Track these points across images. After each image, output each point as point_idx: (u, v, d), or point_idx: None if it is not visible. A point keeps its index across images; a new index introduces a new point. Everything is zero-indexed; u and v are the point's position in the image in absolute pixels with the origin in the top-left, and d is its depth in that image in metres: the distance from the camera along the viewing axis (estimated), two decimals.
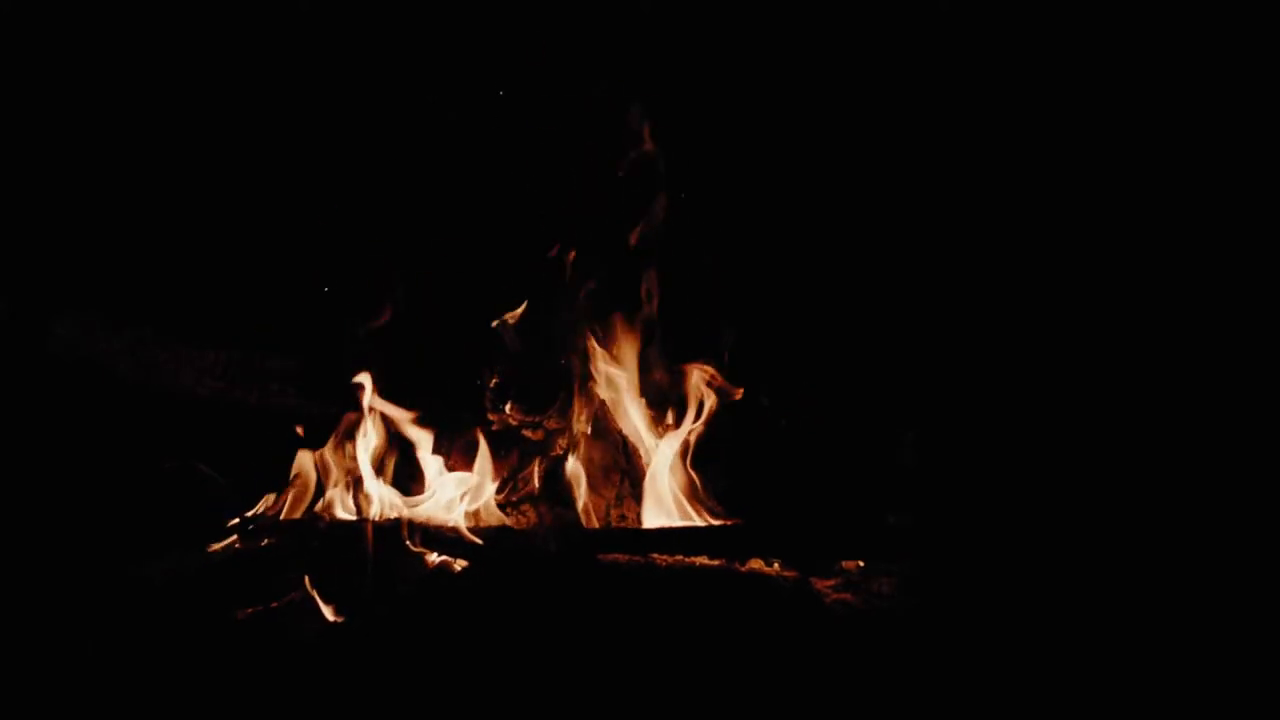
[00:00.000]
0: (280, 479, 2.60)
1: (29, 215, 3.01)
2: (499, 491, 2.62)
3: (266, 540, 2.44)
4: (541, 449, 2.64)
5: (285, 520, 2.52)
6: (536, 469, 2.60)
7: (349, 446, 2.57)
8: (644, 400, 2.70)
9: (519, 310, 2.74)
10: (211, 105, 3.18)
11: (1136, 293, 2.80)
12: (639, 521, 2.59)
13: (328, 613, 2.30)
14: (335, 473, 2.55)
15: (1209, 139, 2.81)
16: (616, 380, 2.69)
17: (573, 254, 2.77)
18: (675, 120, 3.12)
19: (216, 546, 2.45)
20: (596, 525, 2.58)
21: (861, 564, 2.40)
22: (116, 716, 2.06)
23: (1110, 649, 2.09)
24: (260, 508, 2.58)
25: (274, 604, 2.35)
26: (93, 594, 2.29)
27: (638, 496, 2.61)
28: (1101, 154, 2.89)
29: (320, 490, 2.59)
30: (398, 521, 2.47)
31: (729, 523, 2.53)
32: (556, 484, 2.51)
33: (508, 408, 2.69)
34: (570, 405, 2.66)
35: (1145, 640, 2.11)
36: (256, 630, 2.29)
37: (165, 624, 2.25)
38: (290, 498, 2.55)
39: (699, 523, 2.54)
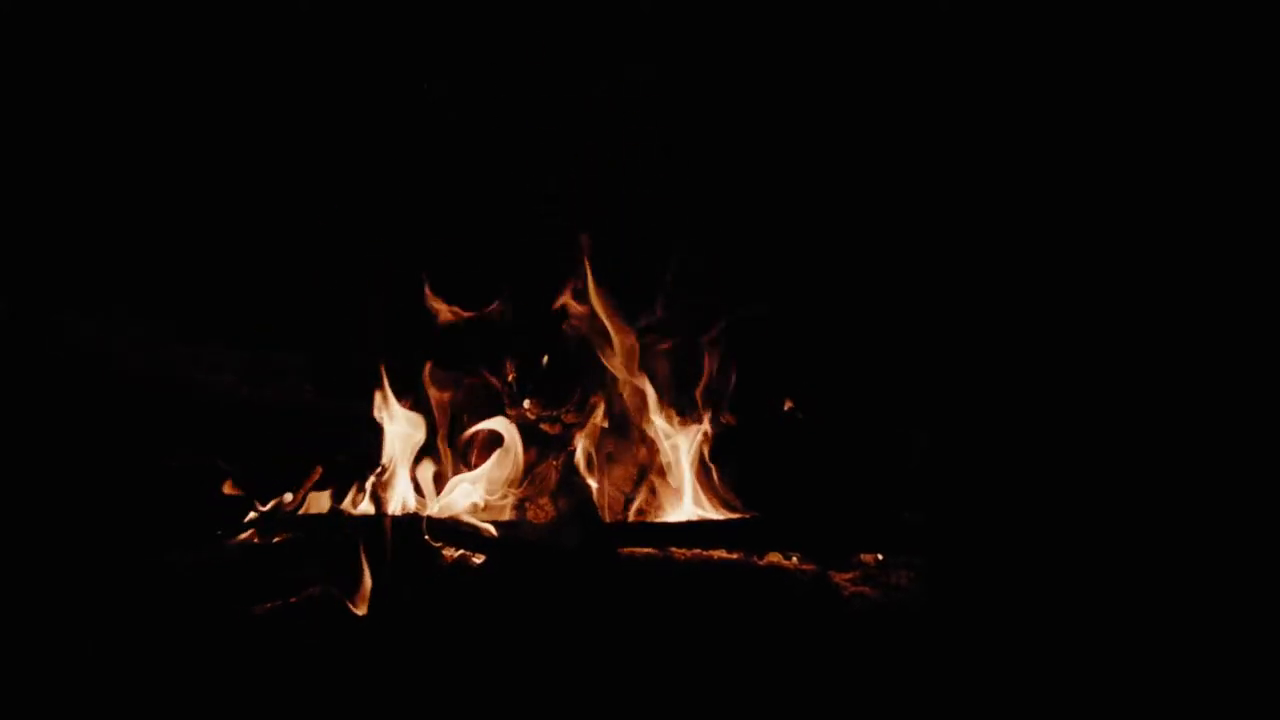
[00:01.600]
0: (296, 473, 2.59)
1: (37, 212, 2.98)
2: (518, 486, 2.62)
3: (285, 535, 2.43)
4: (560, 443, 2.65)
5: (303, 515, 2.51)
6: (555, 463, 2.60)
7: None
8: (661, 394, 2.71)
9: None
10: (217, 103, 3.16)
11: (1150, 294, 2.83)
12: (657, 515, 2.60)
13: (347, 607, 2.29)
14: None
15: (1214, 140, 2.85)
16: (633, 375, 2.69)
17: (585, 251, 2.78)
18: (680, 116, 3.13)
19: (235, 541, 2.43)
20: (614, 519, 2.59)
21: (880, 557, 2.42)
22: (134, 711, 2.05)
23: (1125, 643, 2.11)
24: (277, 502, 2.56)
25: (293, 599, 2.34)
26: (109, 589, 2.27)
27: (656, 490, 2.62)
28: (1111, 156, 2.92)
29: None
30: (416, 516, 2.47)
31: (747, 516, 2.54)
32: (574, 478, 2.51)
33: (526, 402, 2.70)
34: (588, 399, 2.66)
35: (1159, 633, 2.14)
36: (275, 625, 2.28)
37: (183, 619, 2.24)
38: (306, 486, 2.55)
39: (717, 516, 2.55)
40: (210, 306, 2.96)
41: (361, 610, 2.29)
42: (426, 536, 2.42)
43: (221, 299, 2.99)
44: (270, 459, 2.61)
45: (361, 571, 2.35)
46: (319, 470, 2.56)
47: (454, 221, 3.11)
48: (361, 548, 2.38)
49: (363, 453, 2.61)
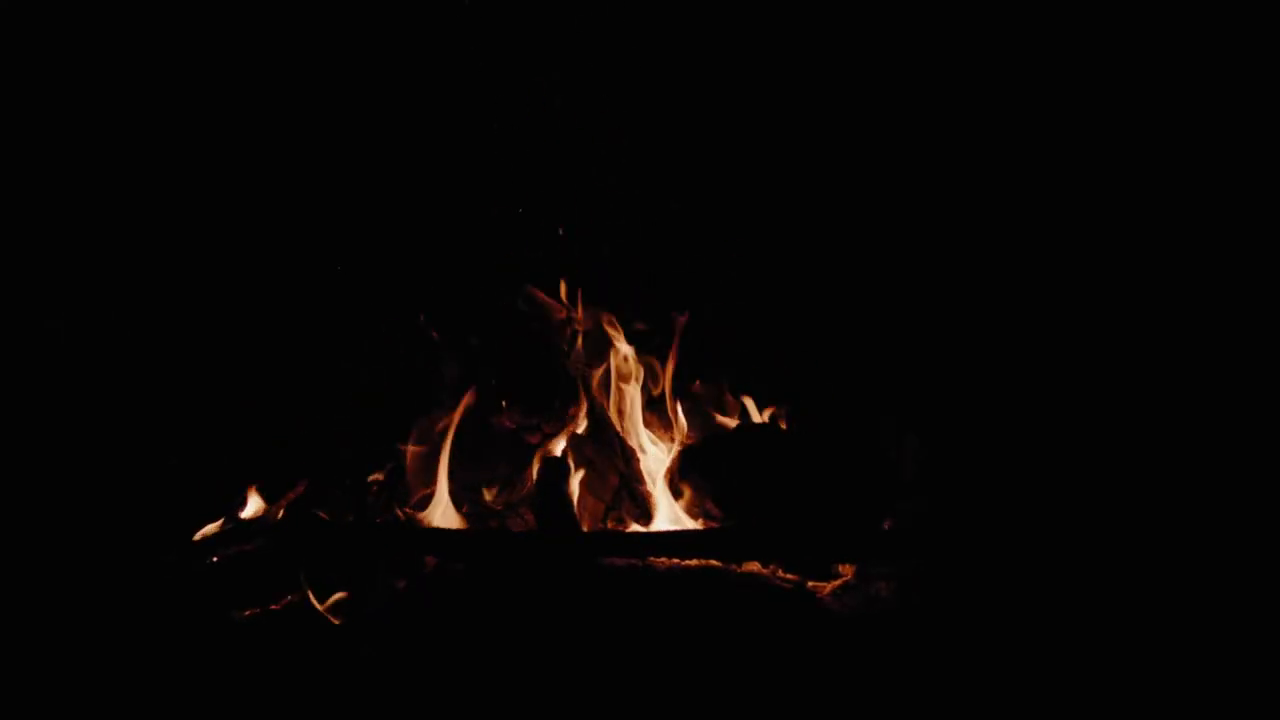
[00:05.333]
0: (278, 479, 2.62)
1: (30, 220, 3.02)
2: (498, 495, 2.62)
3: (266, 541, 2.45)
4: (539, 452, 2.64)
5: (284, 521, 2.53)
6: (534, 472, 2.60)
7: None
8: (642, 403, 2.70)
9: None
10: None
11: (1136, 293, 2.78)
12: (637, 525, 2.59)
13: (326, 615, 2.31)
14: None
15: (1208, 138, 2.79)
16: (614, 383, 2.69)
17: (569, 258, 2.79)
18: (670, 119, 3.12)
19: (215, 548, 2.46)
20: (594, 528, 2.58)
21: (860, 566, 2.39)
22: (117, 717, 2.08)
23: (1110, 649, 2.08)
24: (258, 508, 2.59)
25: (273, 606, 2.36)
26: (89, 595, 2.31)
27: (635, 499, 2.61)
28: (1101, 153, 2.88)
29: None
30: (397, 523, 2.49)
31: (727, 526, 2.52)
32: (554, 487, 2.50)
33: (505, 410, 2.70)
34: (568, 408, 2.66)
35: (1145, 640, 2.10)
36: (256, 632, 2.31)
37: (164, 626, 2.27)
38: (289, 498, 2.57)
39: (697, 526, 2.53)
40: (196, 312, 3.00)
41: (339, 619, 2.31)
42: (408, 544, 2.44)
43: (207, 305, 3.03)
44: (253, 462, 2.65)
45: (341, 580, 2.37)
46: (304, 484, 2.59)
47: (436, 226, 3.11)
48: (343, 555, 2.41)
49: (346, 461, 2.63)
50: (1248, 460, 2.52)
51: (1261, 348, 2.66)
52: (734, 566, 2.40)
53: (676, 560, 2.39)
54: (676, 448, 2.62)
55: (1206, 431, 2.60)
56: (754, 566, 2.41)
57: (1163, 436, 2.60)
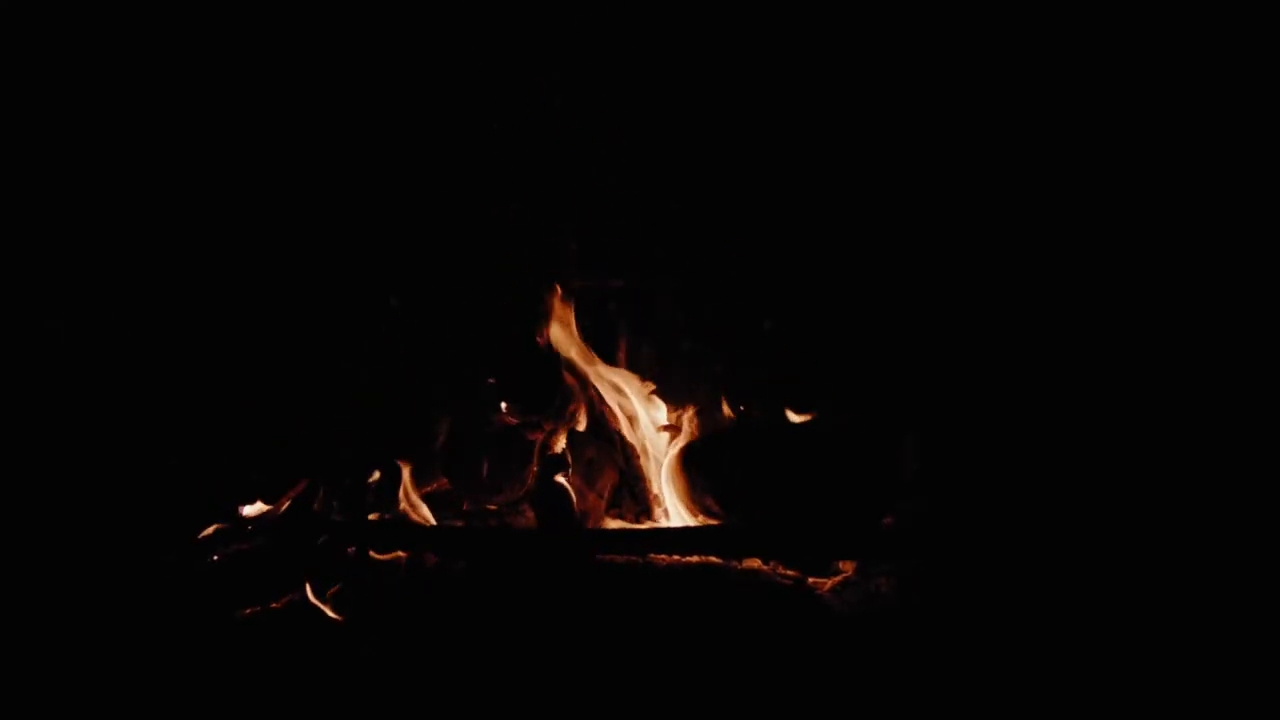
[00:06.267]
0: (278, 479, 2.62)
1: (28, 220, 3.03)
2: (499, 492, 2.63)
3: (266, 541, 2.45)
4: (539, 449, 2.65)
5: (284, 520, 2.53)
6: (534, 469, 2.61)
7: None
8: (642, 400, 2.71)
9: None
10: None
11: (1137, 293, 2.78)
12: (636, 521, 2.59)
13: (327, 612, 2.32)
14: None
15: (1209, 138, 2.80)
16: (614, 380, 2.70)
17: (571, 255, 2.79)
18: (670, 119, 3.12)
19: (217, 546, 2.47)
20: (594, 525, 2.58)
21: (860, 564, 2.40)
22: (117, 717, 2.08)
23: (1108, 647, 2.08)
24: (259, 507, 2.59)
25: (274, 605, 2.36)
26: (91, 594, 2.31)
27: (635, 496, 2.61)
28: (1102, 153, 2.88)
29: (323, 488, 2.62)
30: (397, 520, 2.49)
31: (727, 523, 2.52)
32: (554, 484, 2.51)
33: (505, 407, 2.70)
34: (568, 405, 2.66)
35: (1145, 640, 2.10)
36: (257, 631, 2.31)
37: (165, 624, 2.27)
38: (289, 497, 2.58)
39: (697, 522, 2.54)
40: (196, 312, 3.00)
41: (341, 616, 2.31)
42: (407, 542, 2.45)
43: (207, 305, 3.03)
44: (254, 462, 2.65)
45: (343, 577, 2.38)
46: (304, 484, 2.59)
47: (436, 226, 3.11)
48: (344, 552, 2.41)
49: (346, 461, 2.63)
50: (1244, 463, 2.52)
51: (1256, 355, 2.66)
52: (734, 563, 2.40)
53: (677, 557, 2.40)
54: (677, 445, 2.62)
55: (1204, 430, 2.60)
56: (754, 563, 2.41)
57: (1160, 436, 2.60)
